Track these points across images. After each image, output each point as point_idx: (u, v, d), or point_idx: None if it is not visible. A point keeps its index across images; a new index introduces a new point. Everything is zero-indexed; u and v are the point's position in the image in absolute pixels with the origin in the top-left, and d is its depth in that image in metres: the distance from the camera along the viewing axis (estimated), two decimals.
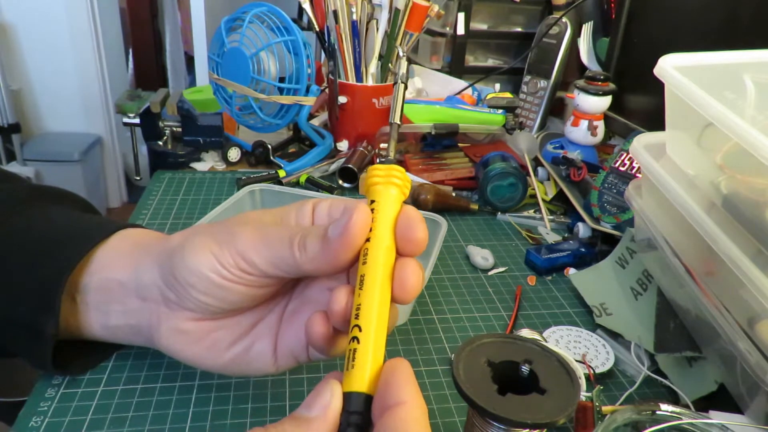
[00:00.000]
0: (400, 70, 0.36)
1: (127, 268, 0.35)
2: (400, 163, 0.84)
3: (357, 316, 0.27)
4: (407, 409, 0.23)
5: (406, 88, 0.36)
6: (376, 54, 0.83)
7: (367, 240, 0.28)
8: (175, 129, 0.84)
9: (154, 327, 0.35)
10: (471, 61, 1.10)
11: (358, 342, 0.26)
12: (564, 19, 0.95)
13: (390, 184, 0.30)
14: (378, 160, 0.79)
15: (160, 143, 0.84)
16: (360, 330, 0.26)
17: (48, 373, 0.40)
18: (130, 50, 2.77)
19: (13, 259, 0.36)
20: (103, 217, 0.42)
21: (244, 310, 0.34)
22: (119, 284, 0.35)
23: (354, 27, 0.81)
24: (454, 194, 0.76)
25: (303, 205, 0.33)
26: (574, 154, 0.79)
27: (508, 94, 0.97)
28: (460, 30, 1.05)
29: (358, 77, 0.84)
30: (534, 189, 0.75)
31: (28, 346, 0.36)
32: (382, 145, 0.82)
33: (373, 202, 0.29)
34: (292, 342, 0.34)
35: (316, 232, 0.29)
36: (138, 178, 2.19)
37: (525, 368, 0.31)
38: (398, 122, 0.35)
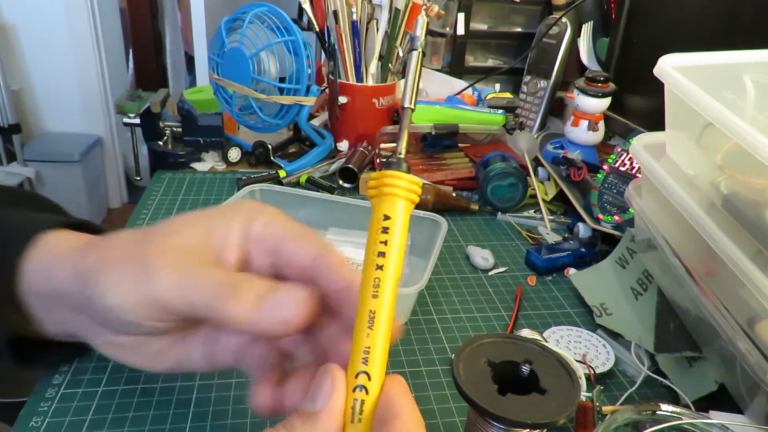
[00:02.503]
0: (418, 33, 0.28)
1: (50, 282, 0.32)
2: None
3: (366, 361, 0.24)
4: (403, 422, 0.23)
5: (424, 56, 0.28)
6: (376, 54, 0.83)
7: (379, 268, 0.25)
8: (175, 129, 0.84)
9: (91, 338, 0.33)
10: (471, 61, 1.10)
11: (367, 392, 0.24)
12: (564, 19, 0.95)
13: (409, 201, 0.26)
14: (380, 161, 0.79)
15: (161, 143, 0.84)
16: (369, 379, 0.24)
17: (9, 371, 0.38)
18: (130, 50, 2.77)
19: None
20: (27, 217, 0.37)
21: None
22: (45, 297, 0.33)
23: (354, 27, 0.81)
24: (454, 194, 0.76)
25: (228, 231, 0.29)
26: (574, 154, 0.79)
27: (508, 94, 0.97)
28: (460, 30, 1.05)
29: (358, 77, 0.84)
30: (534, 189, 0.75)
31: None
32: (383, 146, 0.82)
33: (387, 218, 0.25)
34: (230, 345, 0.31)
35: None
36: (138, 178, 2.19)
37: (525, 368, 0.31)
38: (411, 107, 0.28)
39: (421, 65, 0.28)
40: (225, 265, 0.29)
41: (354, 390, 0.24)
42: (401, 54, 0.85)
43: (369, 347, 0.24)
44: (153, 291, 0.27)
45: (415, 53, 0.28)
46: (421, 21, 0.28)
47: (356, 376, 0.24)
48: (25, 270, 0.32)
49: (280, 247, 0.29)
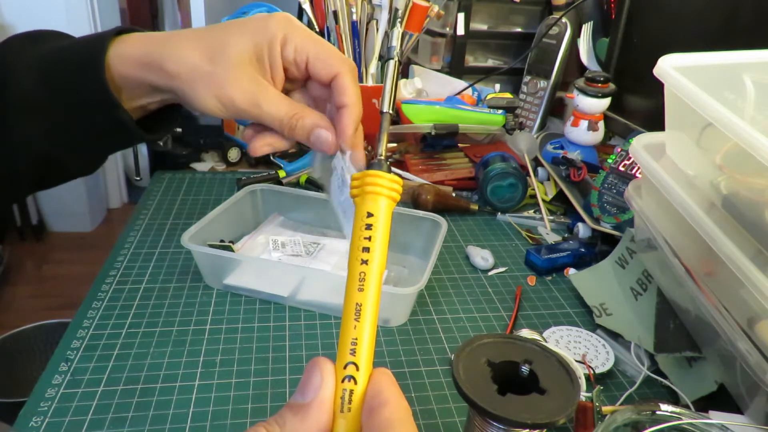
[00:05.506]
0: (393, 42, 0.29)
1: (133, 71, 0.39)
2: (400, 163, 0.84)
3: (353, 352, 0.25)
4: (391, 409, 0.23)
5: (400, 65, 0.30)
6: (376, 54, 0.84)
7: (364, 262, 0.26)
8: (175, 129, 0.84)
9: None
10: (471, 61, 1.10)
11: (356, 383, 0.24)
12: (564, 20, 0.95)
13: (391, 199, 0.27)
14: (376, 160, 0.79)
15: (161, 144, 0.84)
16: (357, 369, 0.25)
17: (140, 142, 0.43)
18: None
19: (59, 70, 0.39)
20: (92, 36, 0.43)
21: None
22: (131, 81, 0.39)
23: (354, 27, 0.81)
24: (454, 194, 0.76)
25: (273, 54, 0.38)
26: (574, 155, 0.79)
27: (508, 95, 0.97)
28: (460, 30, 1.05)
29: (359, 77, 0.84)
30: (534, 189, 0.75)
31: (108, 125, 0.40)
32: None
33: (370, 216, 0.27)
34: None
35: None
36: (138, 178, 2.19)
37: (525, 368, 0.31)
38: (390, 111, 0.29)
39: (399, 73, 0.30)
40: (278, 82, 0.40)
41: (343, 380, 0.25)
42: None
43: (356, 338, 0.25)
44: (234, 110, 0.38)
45: (392, 62, 0.30)
46: (397, 32, 0.31)
47: (345, 367, 0.25)
48: (112, 62, 0.39)
49: (308, 67, 0.39)
